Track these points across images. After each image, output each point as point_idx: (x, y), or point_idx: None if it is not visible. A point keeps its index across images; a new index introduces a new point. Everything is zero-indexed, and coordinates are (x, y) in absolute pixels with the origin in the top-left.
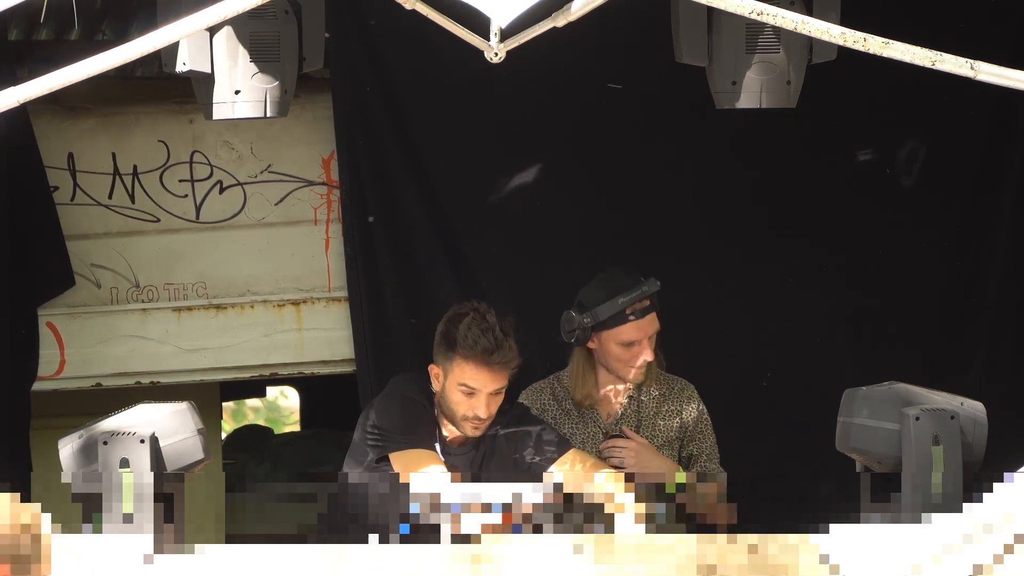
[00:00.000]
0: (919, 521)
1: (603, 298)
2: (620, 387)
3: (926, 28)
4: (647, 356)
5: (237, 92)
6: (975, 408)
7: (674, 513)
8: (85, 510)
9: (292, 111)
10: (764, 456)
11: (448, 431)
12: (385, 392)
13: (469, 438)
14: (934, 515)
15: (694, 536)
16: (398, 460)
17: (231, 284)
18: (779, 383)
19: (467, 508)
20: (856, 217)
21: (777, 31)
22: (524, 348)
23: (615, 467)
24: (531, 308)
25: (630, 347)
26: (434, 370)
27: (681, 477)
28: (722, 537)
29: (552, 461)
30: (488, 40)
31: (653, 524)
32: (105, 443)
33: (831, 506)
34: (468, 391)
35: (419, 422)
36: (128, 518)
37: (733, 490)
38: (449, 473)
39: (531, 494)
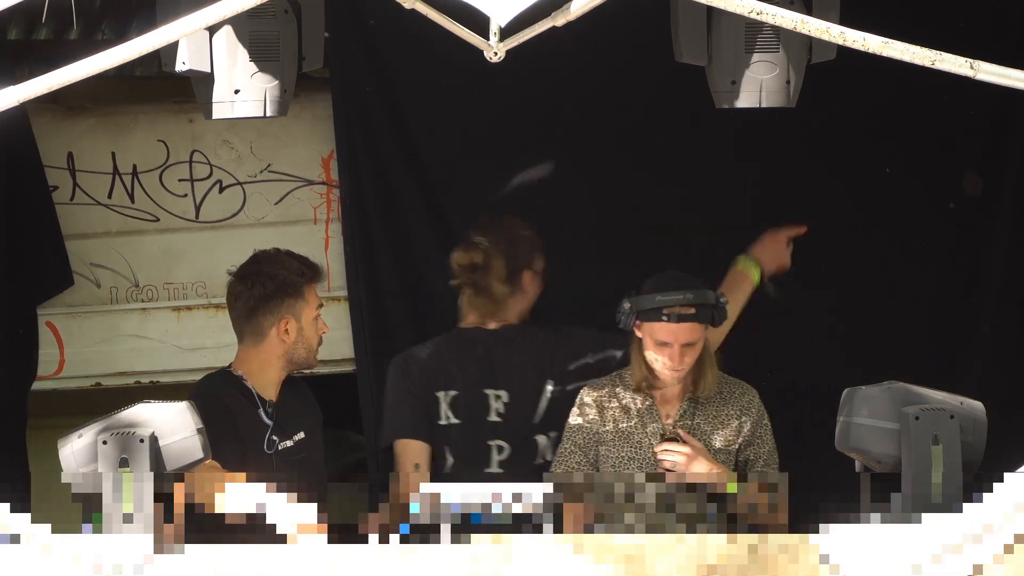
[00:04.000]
0: (919, 521)
1: (648, 290)
2: (678, 387)
3: (926, 28)
4: (674, 363)
5: (237, 91)
6: (975, 408)
7: (725, 517)
8: (85, 510)
9: (292, 111)
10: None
11: (273, 394)
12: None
13: (285, 398)
14: (934, 515)
15: (694, 536)
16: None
17: None
18: (779, 383)
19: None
20: (855, 217)
21: (776, 30)
22: None
23: (667, 471)
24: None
25: (662, 347)
26: (283, 325)
27: (732, 487)
28: (722, 537)
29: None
30: (488, 39)
31: (704, 526)
32: (105, 443)
33: (831, 506)
34: (319, 312)
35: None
36: (128, 518)
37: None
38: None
39: (531, 494)
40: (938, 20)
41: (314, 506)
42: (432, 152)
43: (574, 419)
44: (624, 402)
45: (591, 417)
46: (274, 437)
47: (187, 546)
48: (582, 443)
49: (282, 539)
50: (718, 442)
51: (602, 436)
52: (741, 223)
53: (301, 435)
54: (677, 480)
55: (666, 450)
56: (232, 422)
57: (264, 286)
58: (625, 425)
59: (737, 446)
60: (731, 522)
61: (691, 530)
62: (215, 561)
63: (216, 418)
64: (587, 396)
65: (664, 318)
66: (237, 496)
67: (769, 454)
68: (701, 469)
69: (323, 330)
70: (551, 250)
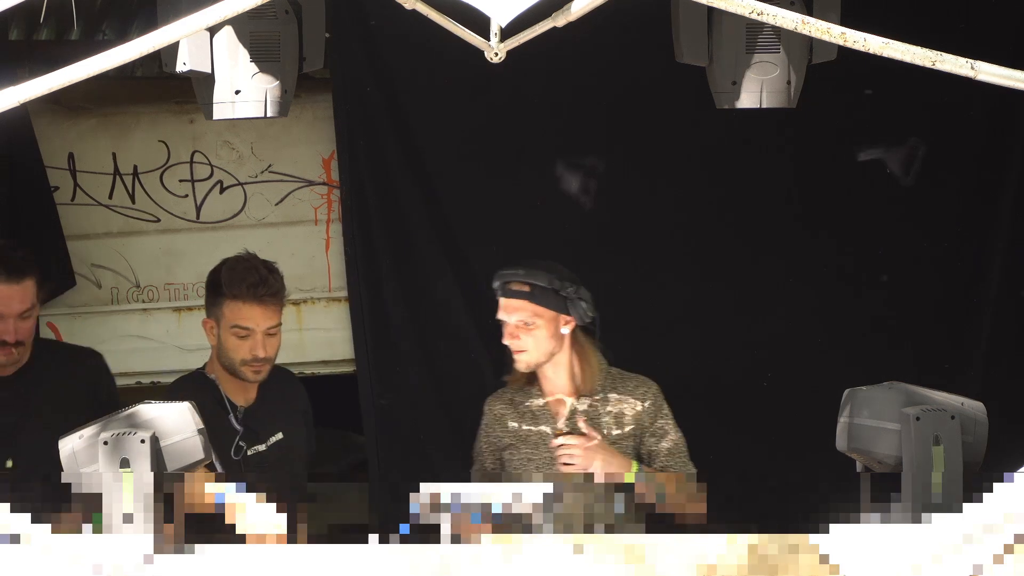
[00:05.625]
0: (919, 521)
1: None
2: (567, 385)
3: (926, 28)
4: (508, 341)
5: (237, 92)
6: (975, 408)
7: (632, 506)
8: (85, 510)
9: (292, 111)
10: (764, 456)
11: (242, 397)
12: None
13: (262, 401)
14: (934, 515)
15: (694, 536)
16: None
17: None
18: (779, 383)
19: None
20: (856, 217)
21: (777, 31)
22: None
23: (565, 466)
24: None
25: (504, 327)
26: (207, 324)
27: (630, 476)
28: (722, 537)
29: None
30: (488, 40)
31: (611, 519)
32: (105, 443)
33: (831, 506)
34: (243, 332)
35: None
36: (128, 518)
37: (724, 489)
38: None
39: (531, 494)
40: (939, 21)
41: (283, 516)
42: (433, 152)
43: (482, 421)
44: (519, 404)
45: (491, 420)
46: (242, 443)
47: (188, 546)
48: (485, 447)
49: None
50: (613, 436)
51: (502, 439)
52: (741, 223)
53: (279, 436)
54: (577, 475)
55: (562, 445)
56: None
57: (206, 281)
58: (523, 427)
59: (635, 438)
60: (640, 513)
61: (602, 525)
62: (215, 561)
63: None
64: (489, 400)
65: (499, 293)
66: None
67: (673, 444)
68: (600, 459)
69: (255, 352)
70: (550, 250)
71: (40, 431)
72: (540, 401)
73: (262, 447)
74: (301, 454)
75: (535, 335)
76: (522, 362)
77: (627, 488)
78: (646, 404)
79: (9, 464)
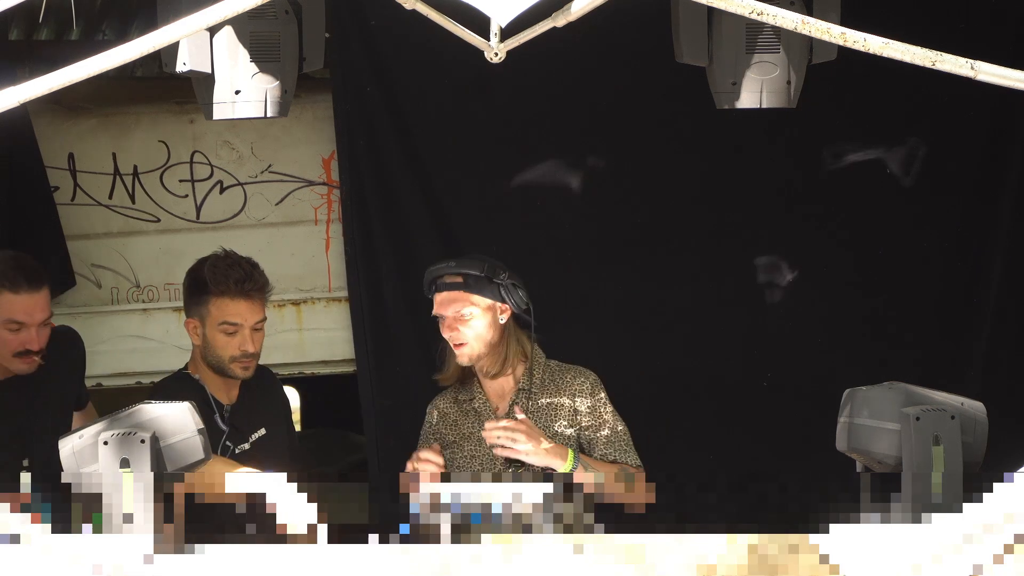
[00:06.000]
0: (919, 521)
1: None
2: (508, 380)
3: (926, 28)
4: (447, 335)
5: (237, 92)
6: (975, 408)
7: (571, 494)
8: (85, 510)
9: (292, 111)
10: (764, 456)
11: (225, 396)
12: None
13: (244, 399)
14: (934, 515)
15: (694, 536)
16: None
17: None
18: (779, 383)
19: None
20: (856, 217)
21: (777, 31)
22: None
23: (503, 448)
24: (531, 308)
25: (441, 321)
26: (191, 324)
27: (567, 467)
28: (722, 537)
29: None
30: (488, 40)
31: (550, 504)
32: (105, 443)
33: (831, 506)
34: (231, 329)
35: None
36: (128, 518)
37: (720, 489)
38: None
39: (531, 494)
40: (939, 21)
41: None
42: (433, 152)
43: (424, 424)
44: (463, 403)
45: (434, 422)
46: (228, 443)
47: (188, 546)
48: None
49: (279, 534)
50: (550, 429)
51: (445, 439)
52: (741, 223)
53: (261, 432)
54: (517, 462)
55: (496, 428)
56: None
57: (184, 282)
58: (466, 425)
59: (576, 429)
60: (578, 500)
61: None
62: (215, 561)
63: None
64: (434, 400)
65: (435, 288)
66: (243, 484)
67: (611, 436)
68: (529, 444)
69: (244, 347)
70: (550, 250)
71: (54, 424)
72: (482, 397)
73: (246, 445)
74: (283, 450)
75: (473, 326)
76: (464, 355)
77: (566, 479)
78: (584, 395)
79: (25, 464)
